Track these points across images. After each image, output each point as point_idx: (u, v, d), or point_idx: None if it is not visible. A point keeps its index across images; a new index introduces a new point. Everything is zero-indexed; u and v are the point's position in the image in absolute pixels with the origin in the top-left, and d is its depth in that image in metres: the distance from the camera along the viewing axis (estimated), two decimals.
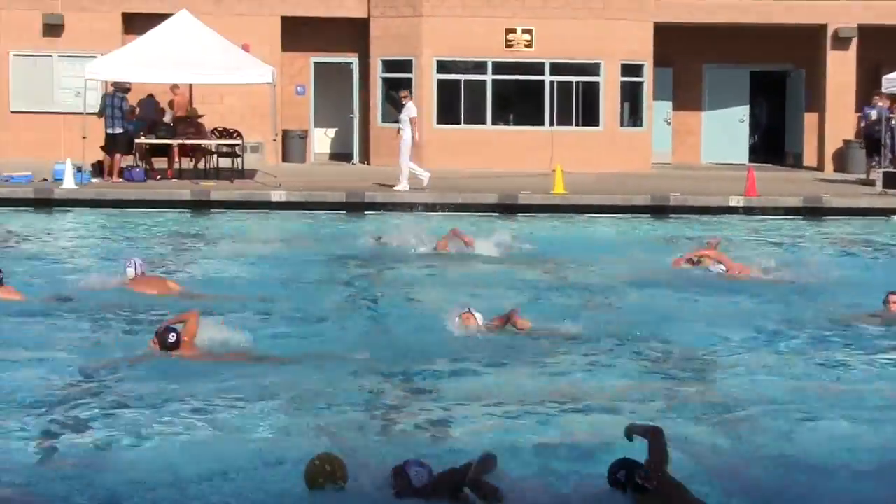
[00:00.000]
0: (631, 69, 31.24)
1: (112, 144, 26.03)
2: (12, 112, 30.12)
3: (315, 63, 32.11)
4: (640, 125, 31.69)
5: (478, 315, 12.21)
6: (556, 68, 30.80)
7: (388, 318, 13.58)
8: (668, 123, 33.55)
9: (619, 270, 16.58)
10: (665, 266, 16.67)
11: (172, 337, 10.99)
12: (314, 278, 16.11)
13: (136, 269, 14.28)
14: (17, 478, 8.09)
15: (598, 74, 30.97)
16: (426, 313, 13.04)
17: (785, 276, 15.98)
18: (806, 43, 32.35)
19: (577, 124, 31.00)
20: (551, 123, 30.73)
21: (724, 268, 16.06)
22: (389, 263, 17.46)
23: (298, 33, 31.13)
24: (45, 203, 23.92)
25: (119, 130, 25.88)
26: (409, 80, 30.61)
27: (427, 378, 10.89)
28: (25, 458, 8.58)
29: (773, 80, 33.94)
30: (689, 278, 15.82)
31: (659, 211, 24.55)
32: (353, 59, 31.92)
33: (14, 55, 30.13)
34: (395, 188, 25.33)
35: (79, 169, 25.01)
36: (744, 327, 13.17)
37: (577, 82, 31.02)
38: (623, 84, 31.18)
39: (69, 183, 24.43)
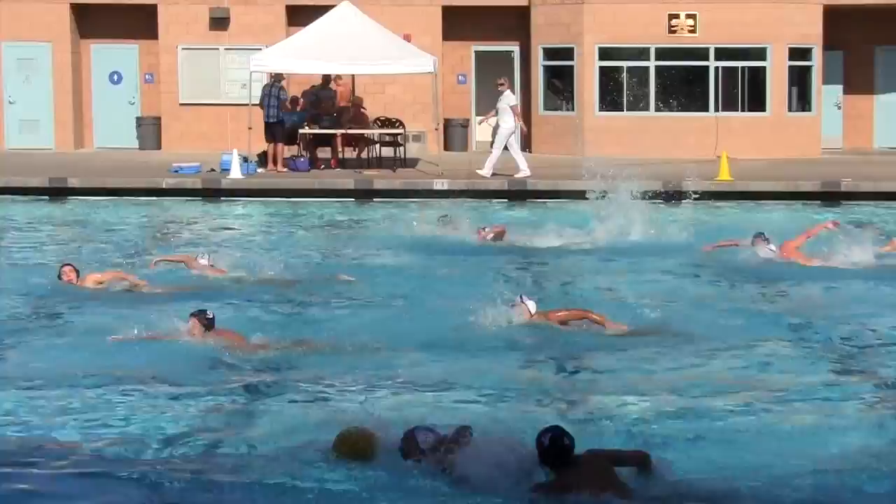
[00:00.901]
0: (799, 53, 30.50)
1: (269, 133, 26.36)
2: (181, 104, 30.75)
3: (476, 52, 32.08)
4: (809, 110, 30.89)
5: (530, 303, 11.97)
6: (722, 53, 30.22)
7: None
8: (839, 108, 32.66)
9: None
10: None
11: (210, 313, 11.12)
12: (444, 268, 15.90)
13: (200, 267, 14.67)
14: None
15: (764, 59, 30.30)
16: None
17: None
18: None
19: (742, 110, 30.38)
20: (716, 109, 30.16)
21: (773, 249, 15.62)
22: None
23: (460, 22, 31.12)
24: (212, 193, 24.34)
25: (274, 120, 26.17)
26: (571, 67, 30.41)
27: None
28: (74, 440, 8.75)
29: None
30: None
31: (829, 197, 23.90)
32: (514, 48, 31.80)
33: (182, 49, 30.75)
34: (478, 171, 25.14)
35: (245, 159, 25.39)
36: None
37: (743, 67, 30.39)
38: (791, 68, 30.45)
39: (235, 173, 24.82)
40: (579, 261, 16.66)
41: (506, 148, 25.29)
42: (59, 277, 13.80)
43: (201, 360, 10.69)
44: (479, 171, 25.15)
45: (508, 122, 25.27)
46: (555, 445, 7.37)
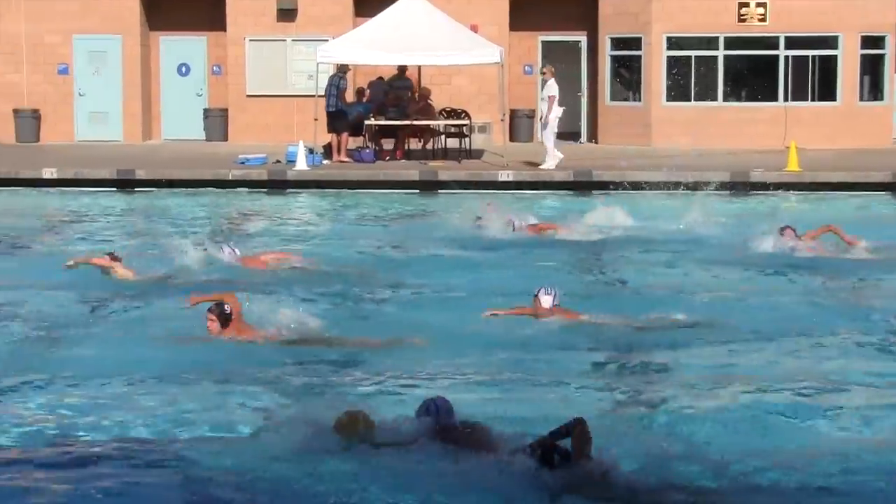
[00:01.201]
0: (872, 41, 30.05)
1: (330, 123, 26.42)
2: (248, 96, 30.91)
3: (543, 42, 31.94)
4: (881, 99, 30.44)
5: (545, 298, 11.84)
6: (792, 42, 29.85)
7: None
8: None
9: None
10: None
11: (227, 307, 11.05)
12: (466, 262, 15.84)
13: (226, 257, 14.74)
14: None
15: (835, 47, 29.89)
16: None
17: None
18: None
19: (812, 99, 29.99)
20: (786, 99, 29.81)
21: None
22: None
23: (526, 12, 31.00)
24: (279, 184, 24.45)
25: (333, 109, 26.21)
26: (639, 57, 30.19)
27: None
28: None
29: None
30: None
31: None
32: (581, 38, 31.61)
33: (250, 40, 30.90)
34: (541, 167, 25.00)
35: (311, 151, 25.47)
36: None
37: (814, 56, 30.00)
38: (863, 57, 30.01)
39: (301, 164, 24.91)
40: (630, 252, 16.54)
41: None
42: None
43: (217, 356, 10.71)
44: (542, 167, 25.06)
45: (554, 109, 25.19)
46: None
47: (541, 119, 25.63)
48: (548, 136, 25.22)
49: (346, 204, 22.59)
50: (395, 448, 7.87)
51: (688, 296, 13.24)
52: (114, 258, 14.19)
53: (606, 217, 18.41)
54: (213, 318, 11.03)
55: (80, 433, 8.78)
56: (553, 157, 25.07)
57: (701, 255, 16.01)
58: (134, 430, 8.83)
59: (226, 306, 11.08)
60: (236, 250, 14.92)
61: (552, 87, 25.33)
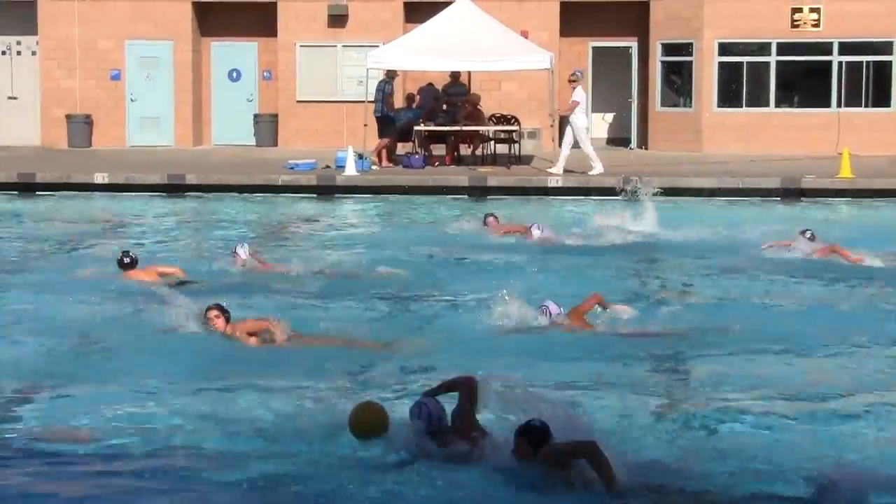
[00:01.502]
0: None
1: (378, 128, 26.52)
2: (298, 101, 31.01)
3: (593, 47, 31.84)
4: None
5: (542, 318, 11.67)
6: (845, 48, 29.56)
7: None
8: None
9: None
10: None
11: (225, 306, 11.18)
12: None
13: (238, 260, 14.78)
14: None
15: (890, 53, 29.58)
16: None
17: None
18: None
19: (866, 105, 29.69)
20: (839, 105, 29.52)
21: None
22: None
23: (577, 18, 30.92)
24: (327, 190, 24.50)
25: (379, 114, 26.31)
26: (690, 63, 30.02)
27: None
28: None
29: None
30: None
31: None
32: (632, 43, 31.48)
33: (300, 46, 31.01)
34: (589, 174, 24.83)
35: (360, 156, 25.51)
36: None
37: (868, 62, 29.70)
38: None
39: (350, 170, 24.95)
40: (660, 258, 16.47)
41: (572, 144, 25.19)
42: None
43: (221, 355, 10.82)
44: (589, 173, 24.97)
45: (581, 117, 25.09)
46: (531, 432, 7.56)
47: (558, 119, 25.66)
48: (585, 143, 25.10)
49: (390, 209, 22.59)
50: (395, 450, 7.97)
51: (703, 302, 13.19)
52: (125, 265, 14.20)
53: (641, 222, 18.33)
54: (218, 314, 11.15)
55: (100, 439, 8.78)
56: (598, 163, 24.97)
57: (725, 261, 15.81)
58: (149, 436, 8.82)
59: (224, 305, 11.23)
60: (252, 255, 14.97)
61: (577, 94, 25.29)
